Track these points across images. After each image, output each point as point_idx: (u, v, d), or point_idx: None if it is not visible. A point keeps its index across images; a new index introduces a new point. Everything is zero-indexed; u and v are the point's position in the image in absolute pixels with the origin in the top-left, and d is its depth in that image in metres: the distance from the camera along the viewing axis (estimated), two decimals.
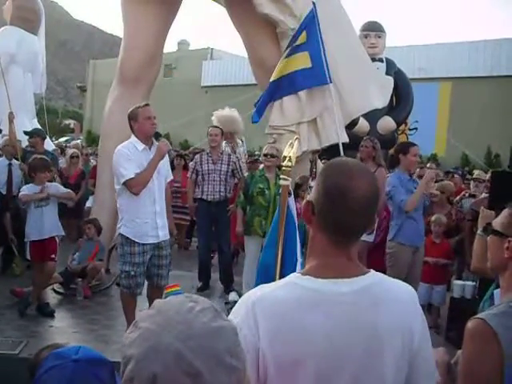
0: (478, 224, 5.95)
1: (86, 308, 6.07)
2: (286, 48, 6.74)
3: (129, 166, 4.61)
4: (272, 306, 1.42)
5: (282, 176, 2.60)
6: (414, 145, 5.58)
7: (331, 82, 6.64)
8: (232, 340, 0.99)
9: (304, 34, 6.60)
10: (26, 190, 5.82)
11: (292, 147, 2.68)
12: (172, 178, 5.35)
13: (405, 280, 5.61)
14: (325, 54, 6.58)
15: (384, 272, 5.45)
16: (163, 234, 4.88)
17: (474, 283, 5.67)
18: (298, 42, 6.61)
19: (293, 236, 2.61)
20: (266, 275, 2.54)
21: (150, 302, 4.81)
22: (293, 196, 2.74)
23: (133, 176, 4.60)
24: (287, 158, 2.61)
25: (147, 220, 4.74)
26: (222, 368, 0.95)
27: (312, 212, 1.50)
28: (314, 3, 6.61)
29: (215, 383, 0.93)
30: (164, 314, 0.99)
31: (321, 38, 6.57)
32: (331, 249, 1.48)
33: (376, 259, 6.31)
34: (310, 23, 6.59)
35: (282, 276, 2.46)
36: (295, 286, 1.45)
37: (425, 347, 1.51)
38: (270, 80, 6.76)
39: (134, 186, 4.63)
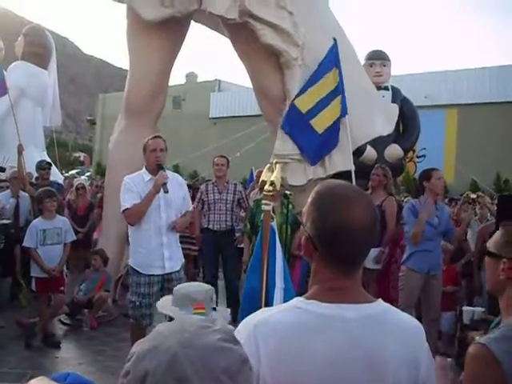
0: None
1: (93, 339, 6.05)
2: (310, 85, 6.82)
3: (128, 197, 4.66)
4: (274, 330, 1.38)
5: (263, 201, 2.57)
6: (435, 169, 5.66)
7: (348, 114, 6.76)
8: (235, 364, 0.98)
9: (336, 73, 6.74)
10: (39, 225, 5.87)
11: (272, 171, 2.66)
12: (191, 208, 5.22)
13: (419, 306, 5.52)
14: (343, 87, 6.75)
15: (389, 297, 5.43)
16: (171, 266, 4.77)
17: (484, 309, 5.61)
18: (333, 86, 6.73)
19: (273, 261, 2.59)
20: (251, 300, 2.52)
21: None
22: (275, 221, 2.71)
23: (128, 206, 4.63)
24: (268, 183, 2.58)
25: (153, 251, 4.70)
26: None
27: (313, 247, 1.44)
28: (334, 39, 6.76)
29: None
30: (179, 324, 1.02)
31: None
32: (337, 277, 1.43)
33: (381, 285, 6.27)
34: (336, 60, 6.74)
35: (267, 301, 2.42)
36: (298, 310, 1.40)
37: (431, 381, 1.47)
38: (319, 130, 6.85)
39: (128, 216, 4.70)
